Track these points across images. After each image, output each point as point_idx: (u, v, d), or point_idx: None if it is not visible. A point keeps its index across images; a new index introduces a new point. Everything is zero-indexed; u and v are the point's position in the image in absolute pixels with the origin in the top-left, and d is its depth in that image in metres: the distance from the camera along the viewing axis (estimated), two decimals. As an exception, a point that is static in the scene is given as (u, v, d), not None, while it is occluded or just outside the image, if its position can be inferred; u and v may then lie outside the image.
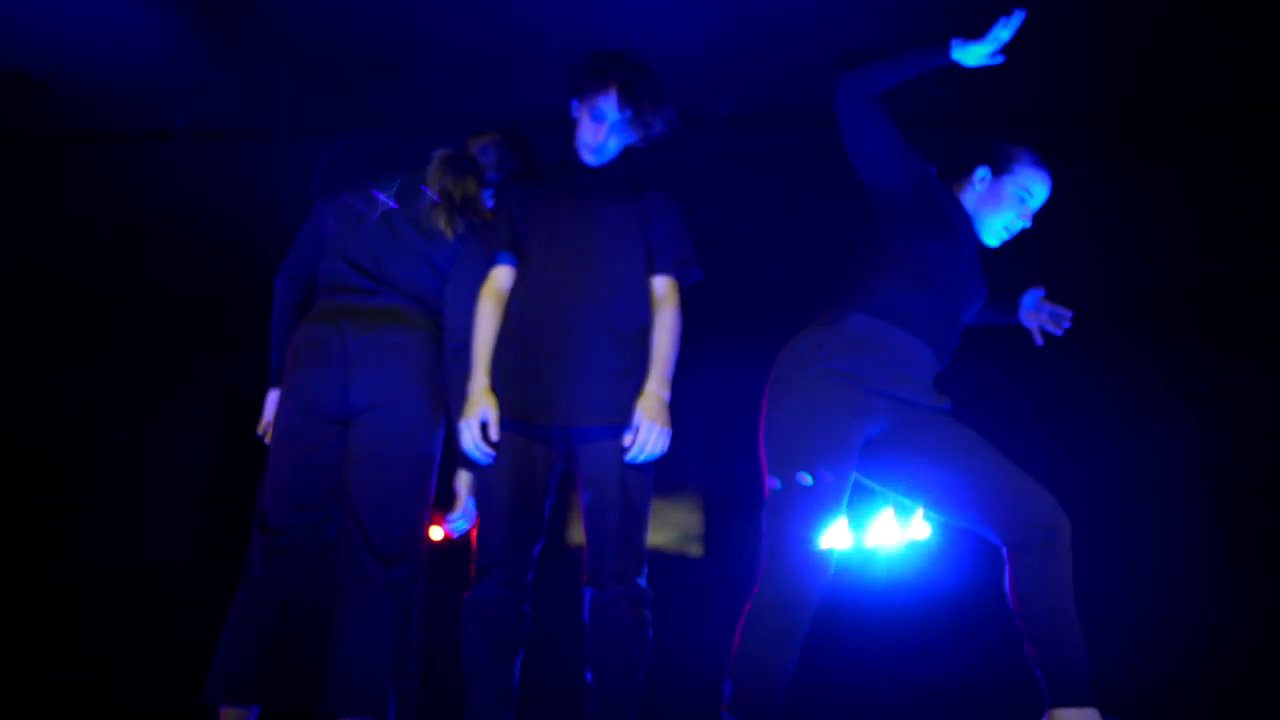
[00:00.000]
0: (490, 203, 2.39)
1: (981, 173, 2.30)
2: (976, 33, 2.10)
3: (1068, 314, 2.37)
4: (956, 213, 2.29)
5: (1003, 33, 2.03)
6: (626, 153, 2.38)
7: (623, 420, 2.15)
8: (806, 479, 2.01)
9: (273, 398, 2.40)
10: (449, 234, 2.27)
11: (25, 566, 5.33)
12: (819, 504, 2.02)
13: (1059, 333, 2.39)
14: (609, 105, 2.27)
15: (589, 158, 2.34)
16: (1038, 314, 2.41)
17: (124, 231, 5.25)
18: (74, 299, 5.63)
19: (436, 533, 3.00)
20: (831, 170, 4.77)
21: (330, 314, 2.26)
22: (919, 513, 4.53)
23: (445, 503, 2.43)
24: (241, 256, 5.39)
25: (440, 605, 2.40)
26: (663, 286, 2.29)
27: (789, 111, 4.68)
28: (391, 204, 2.34)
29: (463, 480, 2.40)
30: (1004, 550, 2.08)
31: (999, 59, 2.09)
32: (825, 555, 2.05)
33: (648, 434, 2.13)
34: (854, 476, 2.12)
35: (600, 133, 2.30)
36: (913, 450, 2.11)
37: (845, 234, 4.91)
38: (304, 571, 2.23)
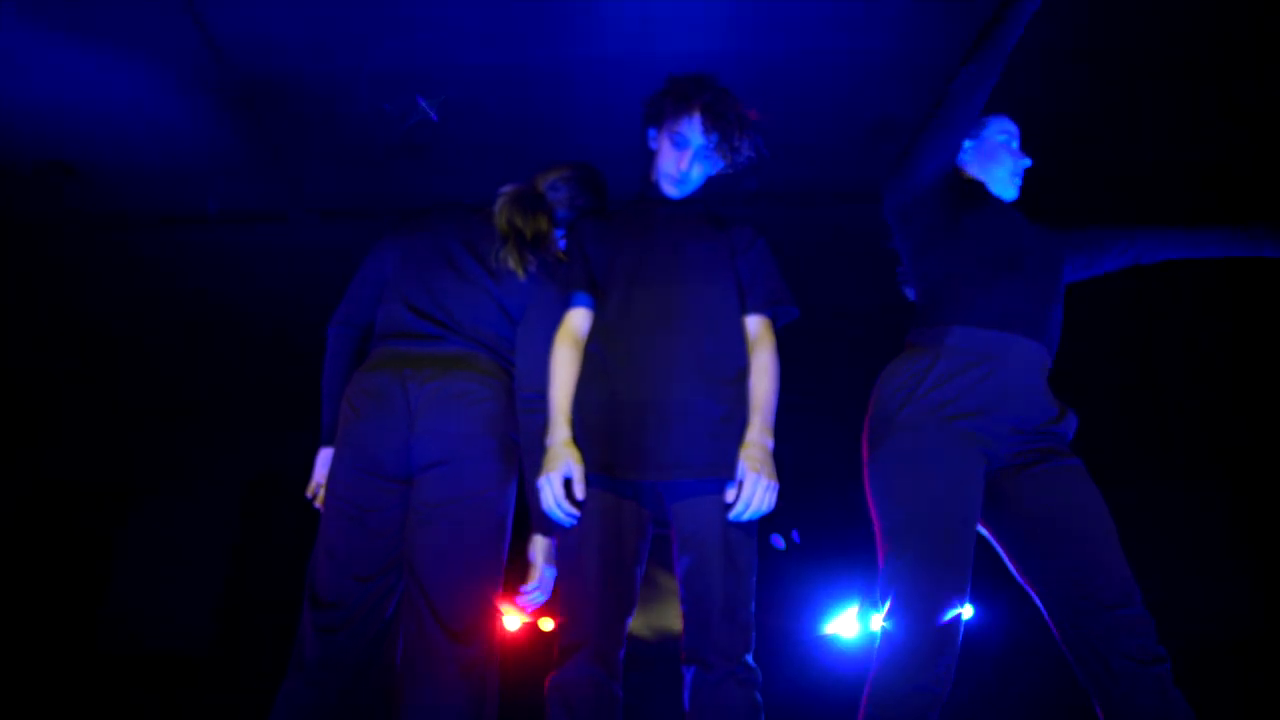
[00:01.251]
0: (562, 242, 2.17)
1: (965, 143, 2.21)
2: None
3: None
4: (973, 186, 2.18)
5: None
6: (708, 186, 2.18)
7: (724, 473, 1.88)
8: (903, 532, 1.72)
9: (324, 456, 2.11)
10: (520, 274, 2.06)
11: (44, 658, 5.20)
12: (943, 556, 1.76)
13: None
14: (693, 130, 2.09)
15: (670, 189, 2.15)
16: None
17: (155, 313, 5.28)
18: (105, 380, 5.63)
19: (510, 610, 2.62)
20: (854, 246, 4.83)
21: (390, 361, 2.01)
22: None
23: (519, 572, 2.11)
24: (270, 338, 5.42)
25: (519, 689, 2.10)
26: (757, 326, 2.05)
27: (812, 189, 4.69)
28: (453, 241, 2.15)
29: (539, 546, 2.09)
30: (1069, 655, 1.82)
31: None
32: (959, 621, 1.79)
33: (754, 488, 1.85)
34: (976, 529, 1.85)
35: (684, 160, 2.11)
36: (1026, 510, 1.87)
37: (868, 305, 4.92)
38: (362, 652, 1.90)
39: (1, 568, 5.32)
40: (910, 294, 2.23)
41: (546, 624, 2.56)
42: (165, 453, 5.86)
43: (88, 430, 5.80)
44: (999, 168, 2.20)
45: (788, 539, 1.74)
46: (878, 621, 1.91)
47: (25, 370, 5.49)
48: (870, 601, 4.45)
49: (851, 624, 4.57)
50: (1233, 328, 5.06)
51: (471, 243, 2.14)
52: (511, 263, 2.05)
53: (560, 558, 1.93)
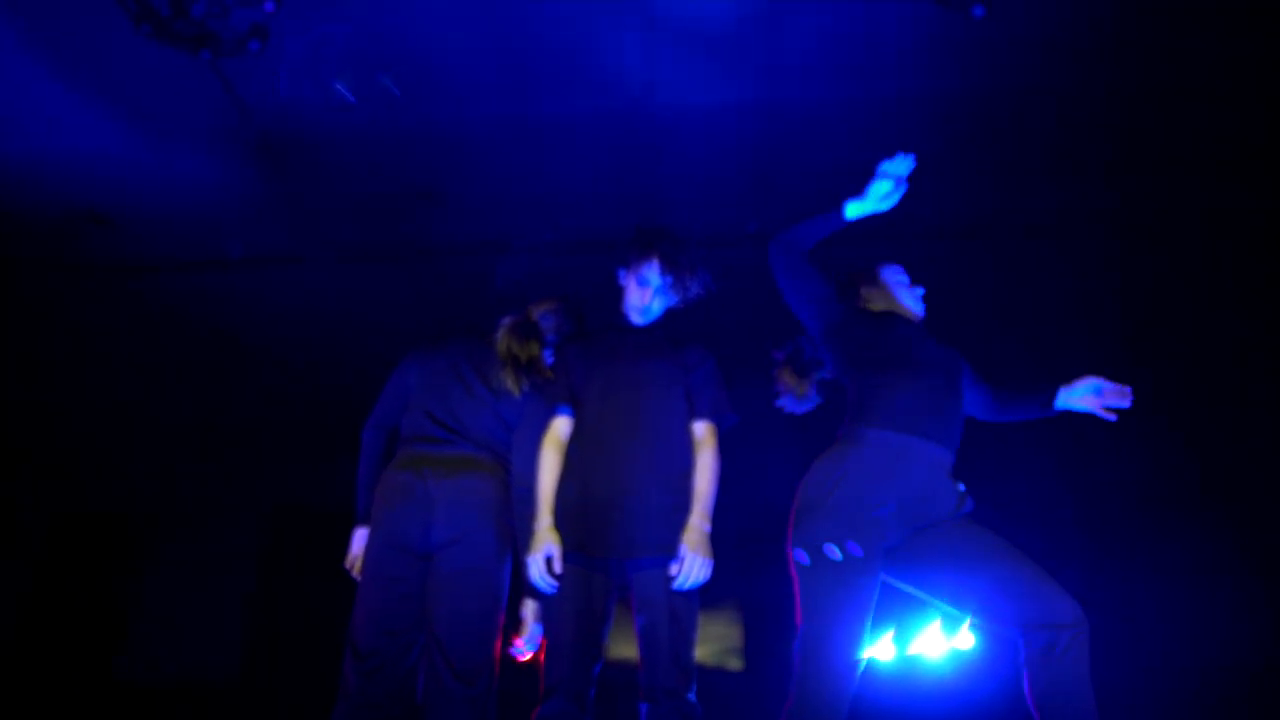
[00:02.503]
0: (549, 360, 2.64)
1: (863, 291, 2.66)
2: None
3: (1127, 389, 2.46)
4: (883, 314, 2.61)
5: (883, 184, 2.40)
6: (668, 314, 2.69)
7: (670, 552, 2.37)
8: (836, 552, 2.21)
9: (359, 535, 2.64)
10: (515, 392, 2.53)
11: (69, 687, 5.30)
12: (845, 620, 2.20)
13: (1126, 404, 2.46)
14: (652, 272, 2.60)
15: (636, 318, 2.66)
16: (1098, 396, 2.48)
17: (178, 351, 5.43)
18: (128, 419, 5.77)
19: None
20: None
21: (413, 462, 2.54)
22: (965, 623, 4.46)
23: (514, 627, 2.65)
24: (288, 375, 5.55)
25: (513, 717, 2.60)
26: (702, 431, 2.53)
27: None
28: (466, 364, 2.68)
29: (529, 608, 2.64)
30: (1021, 653, 2.20)
31: (893, 198, 2.44)
32: (854, 671, 2.21)
33: (692, 564, 2.34)
34: (877, 591, 2.28)
35: (645, 296, 2.62)
36: (936, 555, 2.29)
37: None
38: (393, 689, 2.44)
39: (29, 598, 5.43)
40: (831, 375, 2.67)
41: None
42: (186, 485, 5.99)
43: (110, 463, 5.93)
44: (903, 300, 2.65)
45: (844, 550, 1.99)
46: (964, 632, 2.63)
47: (52, 404, 5.63)
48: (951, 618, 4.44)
49: (936, 640, 4.49)
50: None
51: (478, 365, 2.66)
52: (509, 384, 2.53)
53: (544, 618, 2.46)
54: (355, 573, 2.61)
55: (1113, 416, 2.47)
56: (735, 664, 5.28)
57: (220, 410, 5.78)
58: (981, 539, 2.30)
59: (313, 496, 5.93)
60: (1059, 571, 2.29)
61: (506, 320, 2.62)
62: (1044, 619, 2.16)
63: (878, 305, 2.63)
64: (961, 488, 2.39)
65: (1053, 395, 2.52)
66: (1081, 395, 2.46)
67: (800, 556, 2.28)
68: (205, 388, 5.66)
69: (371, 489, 2.62)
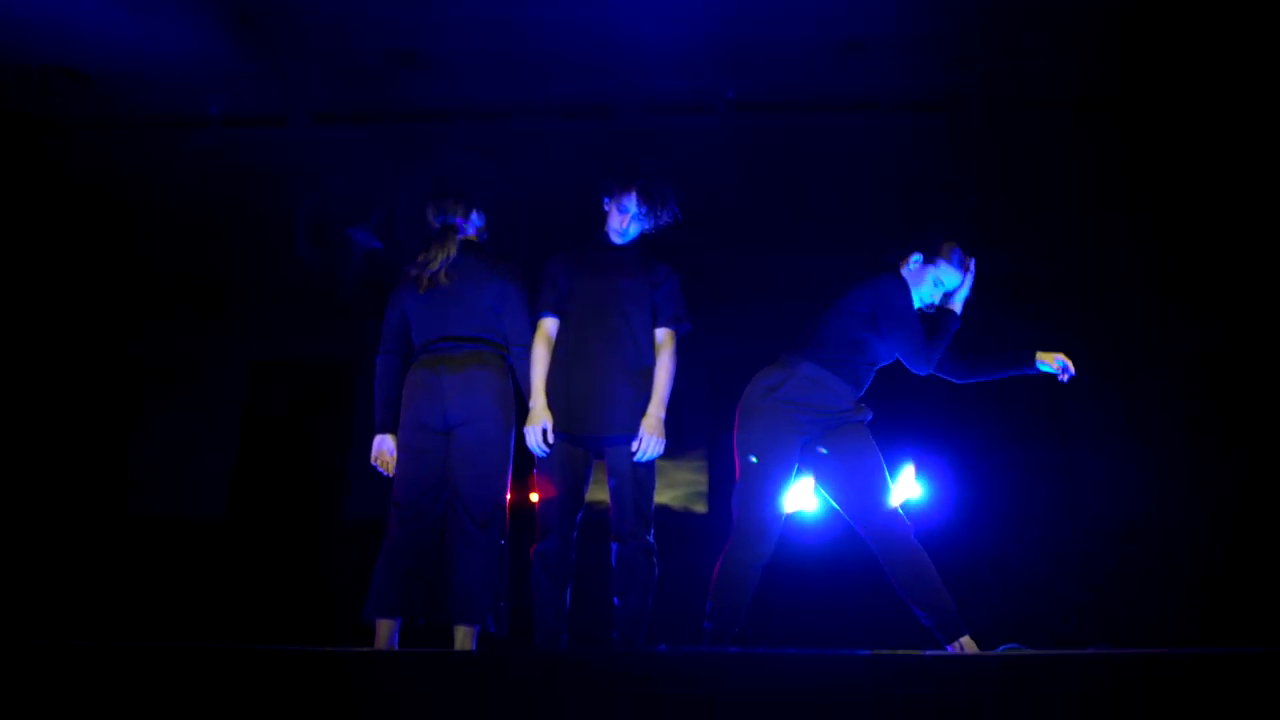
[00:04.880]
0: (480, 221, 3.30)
1: (915, 256, 3.09)
2: None
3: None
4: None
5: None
6: (642, 237, 3.24)
7: (633, 431, 3.02)
8: (754, 460, 2.89)
9: (378, 440, 3.22)
10: (447, 281, 3.12)
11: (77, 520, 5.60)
12: (768, 487, 2.89)
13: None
14: (630, 202, 3.14)
15: (615, 239, 3.21)
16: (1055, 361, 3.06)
17: (160, 211, 5.51)
18: (110, 275, 5.86)
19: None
20: (828, 150, 5.04)
21: (430, 362, 3.12)
22: (909, 470, 4.77)
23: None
24: (269, 233, 5.61)
25: (519, 554, 3.12)
26: (662, 336, 3.15)
27: (791, 97, 4.87)
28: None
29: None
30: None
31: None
32: (776, 523, 2.90)
33: (648, 443, 3.01)
34: (796, 467, 2.97)
35: (624, 221, 3.16)
36: (828, 463, 2.96)
37: (842, 213, 5.14)
38: (424, 533, 3.05)
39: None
40: None
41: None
42: (173, 339, 6.12)
43: (102, 317, 6.03)
44: (919, 293, 3.12)
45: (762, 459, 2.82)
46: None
47: (28, 259, 5.67)
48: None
49: (912, 485, 4.86)
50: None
51: (450, 272, 3.16)
52: (444, 279, 3.13)
53: (539, 480, 3.10)
54: (379, 465, 3.23)
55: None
56: (700, 507, 5.84)
57: (204, 264, 5.86)
58: (858, 442, 2.93)
59: (291, 346, 6.12)
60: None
61: (436, 225, 3.21)
62: (872, 530, 2.86)
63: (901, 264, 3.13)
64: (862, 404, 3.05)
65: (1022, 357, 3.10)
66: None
67: (740, 447, 2.94)
68: (183, 244, 5.72)
69: (386, 405, 3.20)
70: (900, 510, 2.90)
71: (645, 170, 3.18)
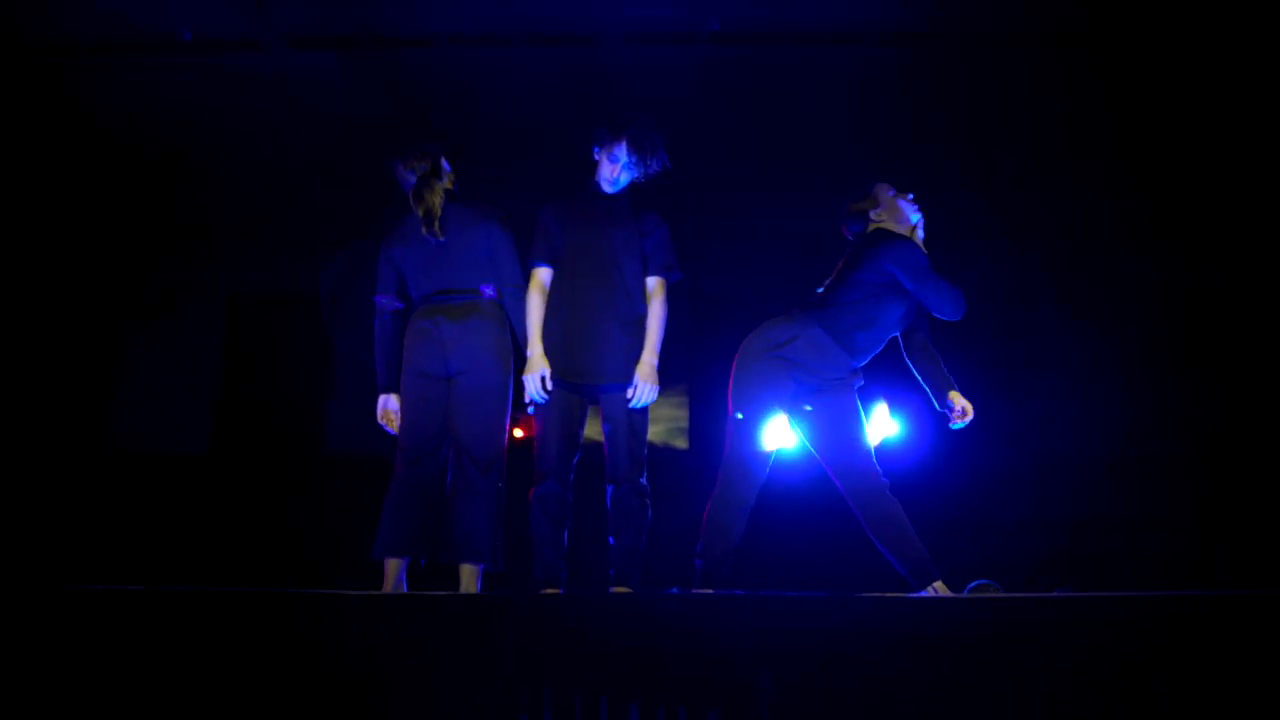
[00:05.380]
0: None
1: (875, 210, 3.20)
2: None
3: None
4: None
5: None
6: (632, 186, 3.27)
7: (628, 379, 3.12)
8: (739, 415, 3.00)
9: (382, 399, 3.30)
10: (439, 235, 3.16)
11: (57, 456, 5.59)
12: (756, 432, 3.01)
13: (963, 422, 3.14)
14: (621, 151, 3.15)
15: (606, 188, 3.23)
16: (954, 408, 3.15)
17: (133, 143, 5.39)
18: (83, 209, 5.75)
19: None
20: (808, 82, 5.02)
21: (429, 313, 3.21)
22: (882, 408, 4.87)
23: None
24: (246, 163, 5.52)
25: (518, 496, 3.16)
26: (653, 285, 3.21)
27: (774, 30, 4.83)
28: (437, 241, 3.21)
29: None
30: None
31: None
32: (763, 465, 3.02)
33: (642, 389, 3.12)
34: (779, 416, 3.08)
35: (614, 171, 3.19)
36: (815, 410, 3.05)
37: (823, 151, 5.14)
38: (429, 475, 3.18)
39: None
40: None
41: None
42: (150, 274, 6.04)
43: (76, 252, 5.93)
44: (906, 224, 3.22)
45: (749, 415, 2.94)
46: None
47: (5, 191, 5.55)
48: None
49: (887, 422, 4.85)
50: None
51: (437, 227, 3.21)
52: (434, 230, 3.15)
53: (537, 425, 3.19)
54: (384, 423, 3.31)
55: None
56: (680, 443, 5.94)
57: (181, 196, 5.76)
58: (841, 407, 3.02)
59: (268, 278, 6.07)
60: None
61: (411, 180, 3.24)
62: (847, 483, 2.97)
63: (889, 226, 3.17)
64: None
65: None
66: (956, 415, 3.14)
67: (735, 394, 3.05)
68: (158, 174, 5.61)
69: (388, 365, 3.29)
70: (874, 461, 3.00)
71: (634, 117, 3.19)
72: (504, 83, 5.14)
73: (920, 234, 3.18)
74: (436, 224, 3.15)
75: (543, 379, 3.10)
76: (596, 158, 3.22)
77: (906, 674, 1.98)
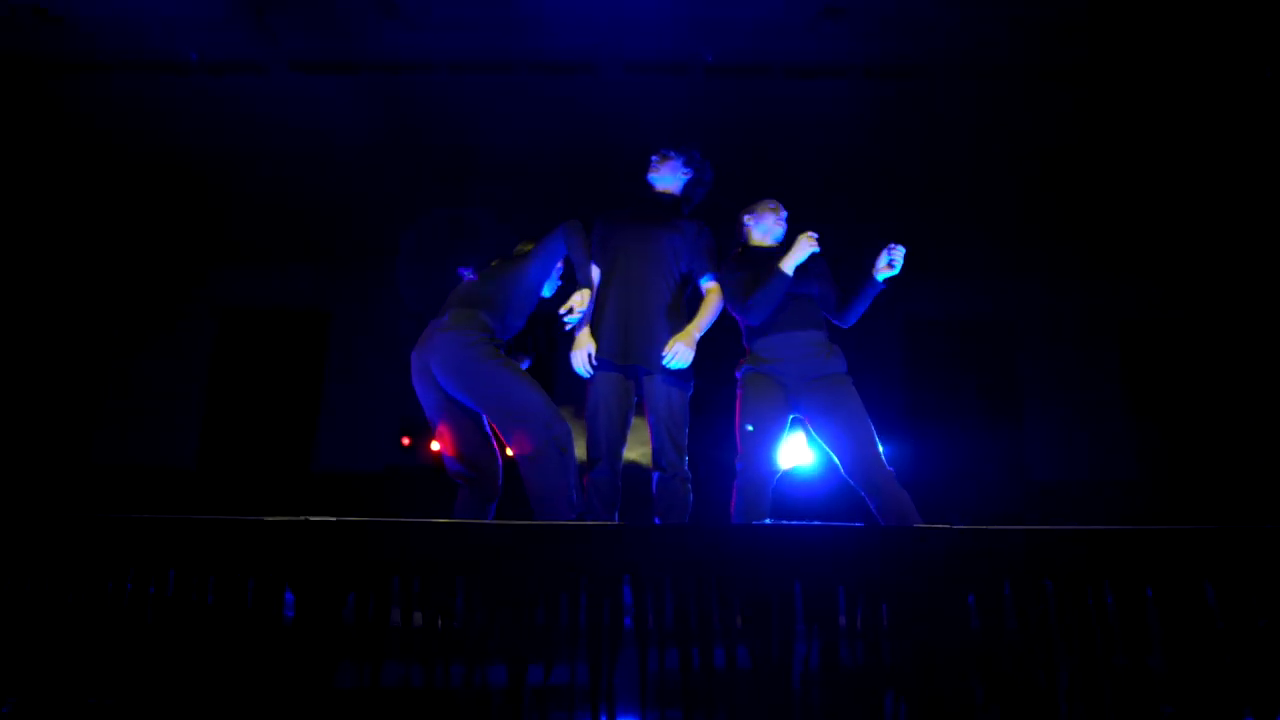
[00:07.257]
0: None
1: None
2: None
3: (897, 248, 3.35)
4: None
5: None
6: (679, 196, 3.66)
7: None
8: (749, 429, 3.29)
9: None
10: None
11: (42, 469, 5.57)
12: (763, 441, 3.30)
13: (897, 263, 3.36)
14: (682, 162, 3.56)
15: (659, 188, 3.60)
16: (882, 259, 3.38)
17: (134, 159, 5.45)
18: (76, 220, 5.80)
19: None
20: (799, 114, 5.15)
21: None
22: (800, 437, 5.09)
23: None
24: (243, 182, 5.60)
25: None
26: (705, 287, 3.51)
27: (766, 62, 4.96)
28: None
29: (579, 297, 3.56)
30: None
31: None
32: (772, 474, 3.28)
33: (677, 349, 3.30)
34: (789, 421, 3.37)
35: (672, 184, 3.58)
36: (814, 411, 3.31)
37: (804, 172, 5.24)
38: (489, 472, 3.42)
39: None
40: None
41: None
42: (143, 288, 6.09)
43: (73, 265, 5.98)
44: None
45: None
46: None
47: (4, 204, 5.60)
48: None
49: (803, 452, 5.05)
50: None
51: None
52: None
53: (587, 410, 3.41)
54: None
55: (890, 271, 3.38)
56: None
57: (179, 214, 5.82)
58: (841, 398, 3.28)
59: (260, 295, 6.11)
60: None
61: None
62: (861, 478, 3.20)
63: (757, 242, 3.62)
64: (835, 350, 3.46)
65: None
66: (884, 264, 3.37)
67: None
68: (158, 190, 5.68)
69: None
70: (883, 457, 3.24)
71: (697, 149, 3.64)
72: (503, 108, 5.26)
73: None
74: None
75: (588, 356, 3.36)
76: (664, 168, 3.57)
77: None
